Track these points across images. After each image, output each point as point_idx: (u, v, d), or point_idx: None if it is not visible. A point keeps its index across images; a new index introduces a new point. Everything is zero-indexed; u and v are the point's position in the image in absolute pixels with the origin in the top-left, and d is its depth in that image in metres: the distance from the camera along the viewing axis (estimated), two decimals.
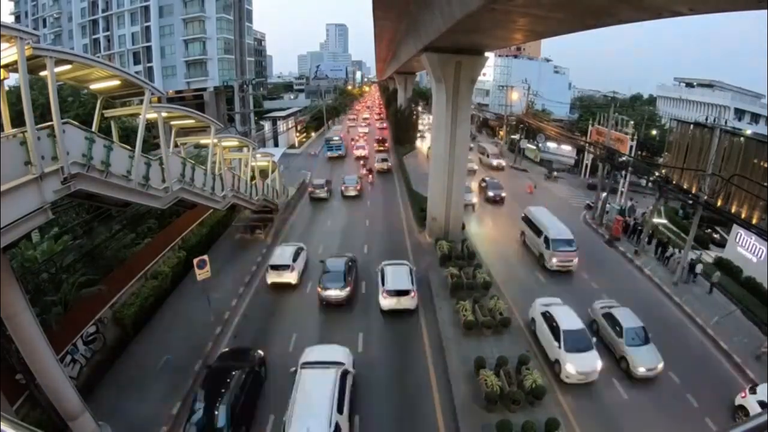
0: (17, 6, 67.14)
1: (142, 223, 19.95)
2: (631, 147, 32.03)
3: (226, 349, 14.11)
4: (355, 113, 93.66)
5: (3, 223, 7.47)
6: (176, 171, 13.09)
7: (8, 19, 62.66)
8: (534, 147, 50.39)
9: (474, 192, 31.62)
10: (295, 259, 18.99)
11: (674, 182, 23.85)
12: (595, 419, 11.92)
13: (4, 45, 7.56)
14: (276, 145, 47.23)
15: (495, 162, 43.21)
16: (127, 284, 15.82)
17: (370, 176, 37.13)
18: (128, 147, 10.85)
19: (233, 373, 11.68)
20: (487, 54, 21.73)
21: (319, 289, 17.09)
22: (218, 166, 17.12)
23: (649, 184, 36.83)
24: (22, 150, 7.88)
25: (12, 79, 9.41)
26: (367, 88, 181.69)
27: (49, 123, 8.38)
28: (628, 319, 14.69)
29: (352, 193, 32.12)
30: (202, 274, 15.69)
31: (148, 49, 56.11)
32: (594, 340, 13.84)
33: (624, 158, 29.54)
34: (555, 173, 42.22)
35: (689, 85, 69.57)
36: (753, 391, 12.21)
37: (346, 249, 21.89)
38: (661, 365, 13.41)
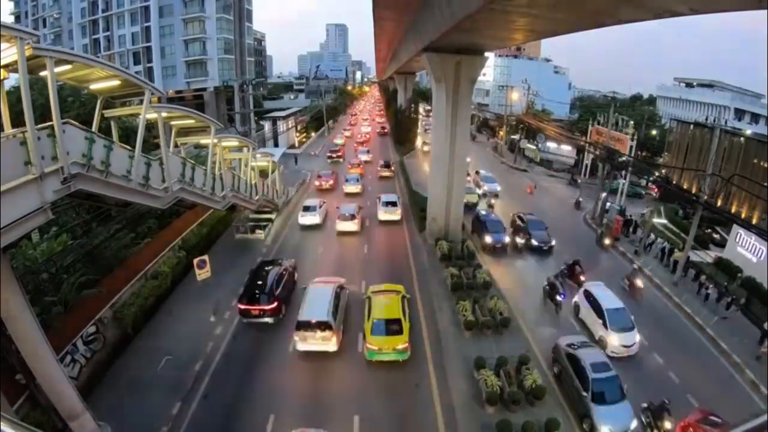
0: (17, 6, 67.08)
1: (142, 223, 19.94)
2: (631, 147, 32.03)
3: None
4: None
5: (3, 223, 7.47)
6: (176, 171, 13.08)
7: (8, 19, 62.64)
8: (534, 147, 50.41)
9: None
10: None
11: (674, 182, 23.87)
12: None
13: (4, 45, 7.57)
14: (276, 145, 47.18)
15: None
16: (127, 284, 15.80)
17: None
18: (128, 147, 10.85)
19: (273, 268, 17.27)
20: (487, 54, 21.72)
21: None
22: (218, 166, 17.11)
23: (649, 184, 36.86)
24: (22, 150, 7.88)
25: (12, 79, 9.43)
26: (367, 88, 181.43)
27: (49, 123, 8.39)
28: None
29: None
30: (202, 274, 15.68)
31: (148, 49, 56.05)
32: None
33: (624, 158, 29.54)
34: (577, 180, 39.23)
35: (689, 85, 69.70)
36: None
37: None
38: None
